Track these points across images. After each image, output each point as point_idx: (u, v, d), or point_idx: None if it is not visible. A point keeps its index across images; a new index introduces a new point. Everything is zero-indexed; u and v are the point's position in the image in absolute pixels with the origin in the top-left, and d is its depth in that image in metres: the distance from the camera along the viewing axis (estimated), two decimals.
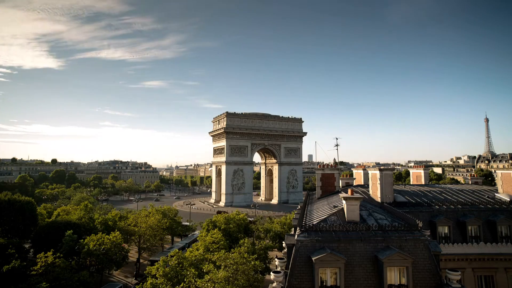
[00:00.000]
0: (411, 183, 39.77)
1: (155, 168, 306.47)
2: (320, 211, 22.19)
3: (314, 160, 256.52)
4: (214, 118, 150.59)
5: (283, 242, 20.87)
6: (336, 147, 59.79)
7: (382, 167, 27.61)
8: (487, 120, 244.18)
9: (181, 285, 27.61)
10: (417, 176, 39.56)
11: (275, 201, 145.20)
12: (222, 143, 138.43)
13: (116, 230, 50.23)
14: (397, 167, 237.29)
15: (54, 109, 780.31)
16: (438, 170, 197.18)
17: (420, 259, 15.25)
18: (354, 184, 38.53)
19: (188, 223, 72.38)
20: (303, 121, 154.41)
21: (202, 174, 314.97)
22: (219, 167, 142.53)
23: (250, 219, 65.56)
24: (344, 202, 18.47)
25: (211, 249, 37.14)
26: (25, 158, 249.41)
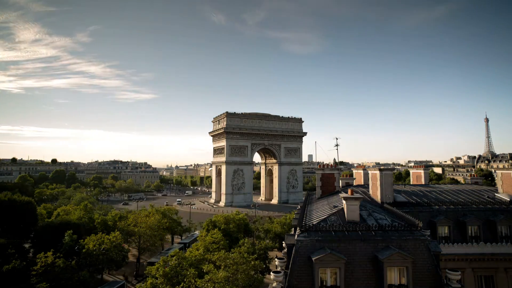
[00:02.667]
0: (411, 183, 39.76)
1: (155, 168, 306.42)
2: (320, 211, 22.19)
3: (314, 160, 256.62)
4: (214, 118, 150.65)
5: (283, 242, 20.87)
6: (336, 147, 59.95)
7: (382, 167, 27.62)
8: (487, 120, 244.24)
9: (181, 285, 27.62)
10: (417, 176, 39.55)
11: (275, 201, 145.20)
12: (222, 143, 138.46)
13: (116, 230, 50.29)
14: (397, 167, 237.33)
15: (54, 110, 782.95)
16: (438, 170, 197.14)
17: (420, 259, 15.25)
18: (354, 184, 38.53)
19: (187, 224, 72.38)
20: (303, 121, 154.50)
21: (202, 174, 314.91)
22: (219, 167, 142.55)
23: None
24: (344, 202, 18.48)
25: (211, 249, 37.16)
26: (25, 158, 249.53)
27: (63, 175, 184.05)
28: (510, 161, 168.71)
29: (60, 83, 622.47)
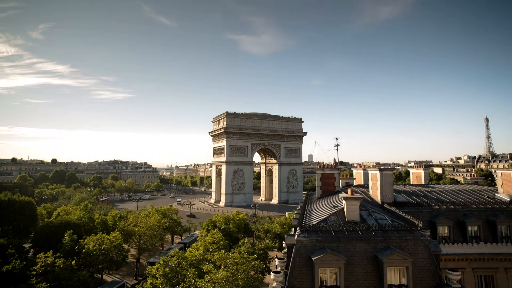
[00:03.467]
0: (411, 183, 39.72)
1: (155, 168, 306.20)
2: (320, 211, 22.17)
3: (314, 160, 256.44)
4: (214, 118, 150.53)
5: (283, 242, 20.85)
6: (336, 147, 59.86)
7: (382, 167, 27.59)
8: (487, 120, 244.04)
9: (181, 285, 27.58)
10: (417, 176, 39.51)
11: (275, 201, 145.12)
12: (222, 143, 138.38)
13: (116, 230, 50.25)
14: (397, 167, 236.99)
15: (33, 109, 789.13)
16: (438, 170, 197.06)
17: (420, 259, 15.24)
18: (354, 184, 38.48)
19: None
20: (303, 121, 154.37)
21: (202, 174, 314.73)
22: (219, 167, 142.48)
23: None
24: (344, 202, 18.46)
25: (211, 249, 37.11)
26: (25, 158, 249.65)
27: (63, 175, 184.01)
28: (510, 161, 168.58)
29: (32, 83, 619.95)
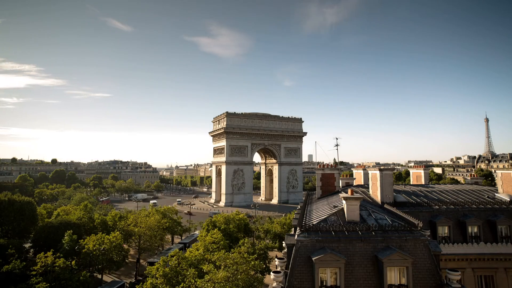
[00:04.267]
0: (411, 183, 39.72)
1: (155, 168, 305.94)
2: (320, 211, 22.17)
3: (314, 160, 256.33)
4: (214, 118, 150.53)
5: (283, 242, 20.85)
6: (336, 147, 59.82)
7: (382, 167, 27.59)
8: (487, 120, 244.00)
9: (181, 285, 27.58)
10: (417, 176, 39.50)
11: (275, 201, 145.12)
12: (222, 143, 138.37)
13: (116, 230, 50.26)
14: (397, 167, 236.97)
15: (55, 110, 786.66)
16: (438, 170, 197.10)
17: (420, 259, 15.24)
18: (354, 184, 38.48)
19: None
20: (303, 121, 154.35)
21: (202, 174, 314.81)
22: (219, 167, 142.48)
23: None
24: (344, 202, 18.46)
25: (211, 249, 37.11)
26: (25, 158, 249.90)
27: (63, 175, 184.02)
28: (510, 161, 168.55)
29: (7, 83, 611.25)
